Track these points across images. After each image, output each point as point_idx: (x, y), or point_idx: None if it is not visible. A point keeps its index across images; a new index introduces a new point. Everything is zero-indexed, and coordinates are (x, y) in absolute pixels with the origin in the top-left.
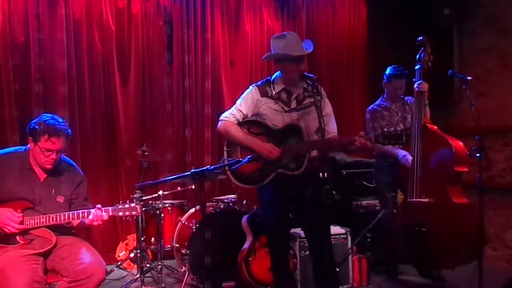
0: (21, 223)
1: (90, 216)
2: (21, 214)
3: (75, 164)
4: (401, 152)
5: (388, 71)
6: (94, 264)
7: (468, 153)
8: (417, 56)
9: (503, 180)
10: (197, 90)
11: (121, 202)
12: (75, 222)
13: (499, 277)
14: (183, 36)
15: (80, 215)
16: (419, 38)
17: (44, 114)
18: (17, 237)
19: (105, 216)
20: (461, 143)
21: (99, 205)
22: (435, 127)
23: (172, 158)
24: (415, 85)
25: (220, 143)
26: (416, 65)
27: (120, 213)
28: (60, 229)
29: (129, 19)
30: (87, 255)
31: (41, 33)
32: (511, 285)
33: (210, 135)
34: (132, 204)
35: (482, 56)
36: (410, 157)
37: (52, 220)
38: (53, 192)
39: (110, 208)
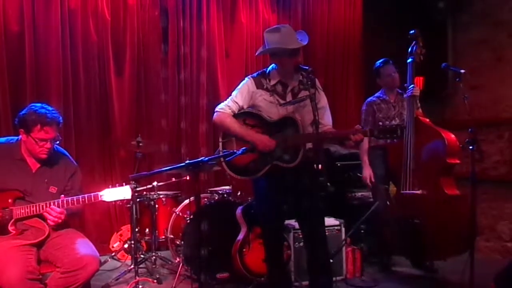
0: None
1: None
2: None
3: (68, 154)
4: (365, 172)
5: (374, 66)
6: (88, 255)
7: (461, 145)
8: (409, 50)
9: (496, 172)
10: (193, 81)
11: (110, 186)
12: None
13: (491, 268)
14: (179, 26)
15: (70, 202)
16: (411, 32)
17: (33, 104)
18: (9, 227)
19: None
20: (453, 136)
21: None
22: (427, 120)
23: (167, 148)
24: (408, 89)
25: (216, 135)
26: (408, 59)
27: (111, 198)
28: None
29: (124, 9)
30: (81, 246)
31: (36, 22)
32: (507, 274)
33: (205, 128)
34: (123, 187)
35: (476, 49)
36: (364, 182)
37: (42, 209)
38: (45, 182)
39: (98, 193)
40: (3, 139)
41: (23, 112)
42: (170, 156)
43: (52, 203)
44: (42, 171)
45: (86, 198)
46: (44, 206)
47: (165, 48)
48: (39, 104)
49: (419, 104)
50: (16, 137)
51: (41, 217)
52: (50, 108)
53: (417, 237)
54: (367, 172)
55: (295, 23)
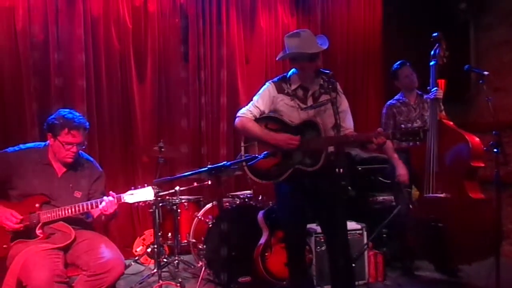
0: (21, 222)
1: (103, 204)
2: (21, 217)
3: (93, 160)
4: (400, 170)
5: (392, 69)
6: (113, 259)
7: (485, 148)
8: (432, 52)
9: None
10: (213, 86)
11: (132, 188)
12: (95, 214)
13: None
14: (199, 33)
15: (94, 204)
16: (434, 34)
17: (61, 110)
18: (37, 231)
19: (111, 199)
20: (477, 139)
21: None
22: (451, 123)
23: (188, 153)
24: (431, 92)
25: (236, 136)
26: (431, 61)
27: (133, 200)
28: (79, 224)
29: (145, 17)
30: (106, 250)
31: (60, 31)
32: None
33: (226, 128)
34: (145, 189)
35: (498, 50)
36: (405, 177)
37: (68, 212)
38: (70, 187)
39: (121, 194)
40: (31, 144)
41: (51, 117)
42: (191, 158)
43: (78, 206)
44: (67, 176)
45: (110, 201)
46: (69, 209)
47: (185, 54)
48: (67, 110)
49: (442, 107)
50: (44, 143)
51: (67, 221)
52: (77, 114)
53: (440, 241)
54: (403, 170)
55: (315, 27)
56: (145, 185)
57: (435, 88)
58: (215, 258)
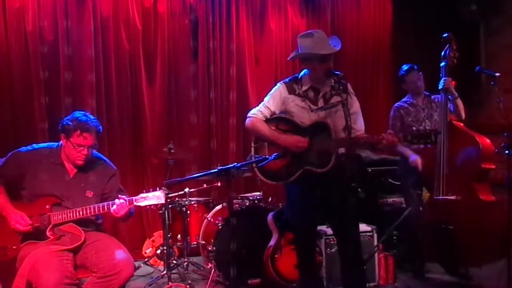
0: (31, 225)
1: (114, 207)
2: (30, 222)
3: (106, 159)
4: (413, 156)
5: (399, 73)
6: (123, 260)
7: (496, 150)
8: (442, 53)
9: None
10: (222, 83)
11: (144, 191)
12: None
13: None
14: (209, 34)
15: (106, 207)
16: (444, 35)
17: (76, 112)
18: (47, 232)
19: (123, 202)
20: (487, 140)
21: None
22: (461, 124)
23: (197, 149)
24: (440, 82)
25: (245, 130)
26: (441, 62)
27: (145, 203)
28: (89, 225)
29: (155, 18)
30: (116, 251)
31: (70, 32)
32: None
33: (235, 123)
34: (156, 193)
35: (508, 52)
36: (419, 162)
37: (79, 214)
38: (82, 186)
39: (133, 197)
40: (44, 144)
41: (66, 118)
42: (200, 154)
43: (89, 208)
44: (79, 176)
45: (121, 203)
46: (80, 211)
47: (195, 53)
48: (82, 112)
49: (456, 94)
50: (57, 143)
51: (77, 222)
52: (91, 117)
53: (451, 243)
54: (415, 156)
55: (325, 27)
56: (157, 188)
57: (444, 78)
58: (225, 259)
